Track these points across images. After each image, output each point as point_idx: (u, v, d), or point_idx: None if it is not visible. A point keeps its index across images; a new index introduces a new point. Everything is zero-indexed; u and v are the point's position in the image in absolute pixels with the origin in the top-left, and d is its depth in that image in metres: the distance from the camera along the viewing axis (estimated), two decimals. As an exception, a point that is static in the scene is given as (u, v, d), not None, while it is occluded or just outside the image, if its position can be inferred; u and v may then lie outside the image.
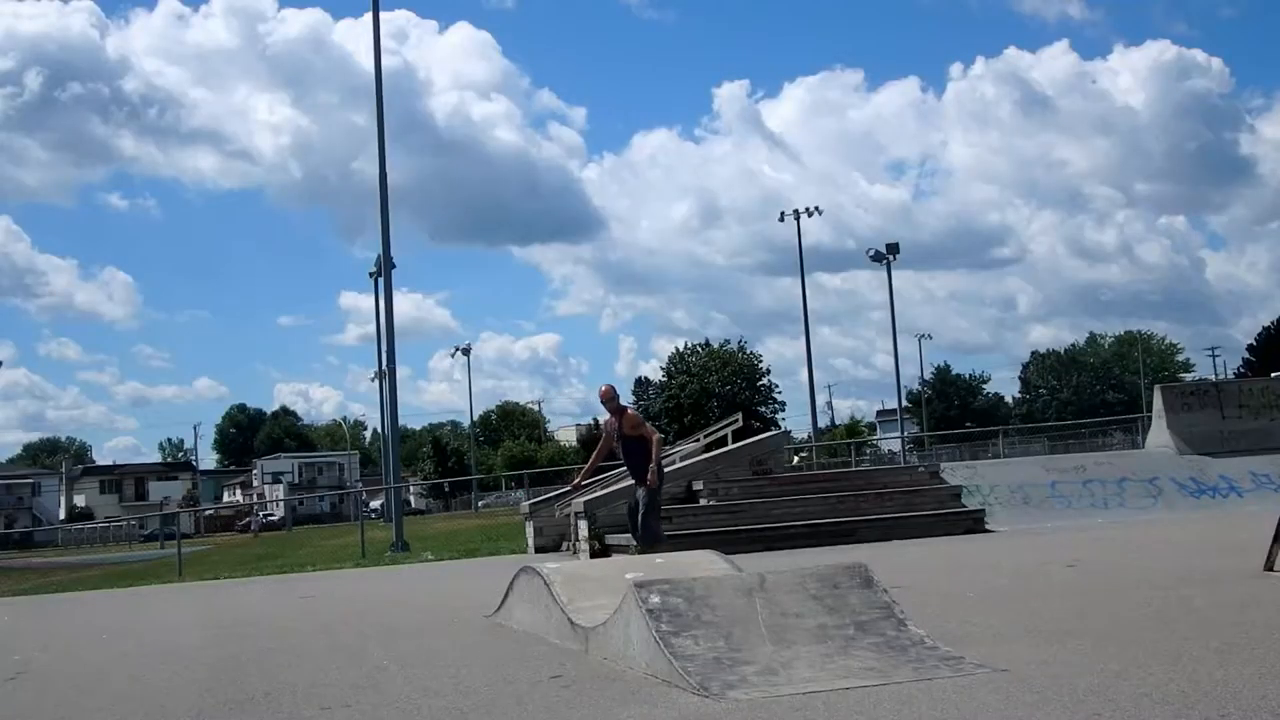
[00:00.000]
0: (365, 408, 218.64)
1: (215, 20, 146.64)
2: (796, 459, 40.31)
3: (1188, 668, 4.84)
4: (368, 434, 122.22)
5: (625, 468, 11.37)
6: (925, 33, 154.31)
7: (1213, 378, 71.16)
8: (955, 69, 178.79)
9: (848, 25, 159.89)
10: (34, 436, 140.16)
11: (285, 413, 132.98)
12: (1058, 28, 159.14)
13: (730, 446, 17.23)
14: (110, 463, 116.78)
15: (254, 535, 57.65)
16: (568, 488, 10.25)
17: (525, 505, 19.22)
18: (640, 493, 10.58)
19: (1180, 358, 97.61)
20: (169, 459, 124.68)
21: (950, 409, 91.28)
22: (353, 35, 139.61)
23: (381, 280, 29.32)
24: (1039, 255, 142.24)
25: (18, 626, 11.57)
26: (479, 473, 74.12)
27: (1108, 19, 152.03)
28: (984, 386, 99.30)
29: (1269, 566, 7.98)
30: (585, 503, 15.42)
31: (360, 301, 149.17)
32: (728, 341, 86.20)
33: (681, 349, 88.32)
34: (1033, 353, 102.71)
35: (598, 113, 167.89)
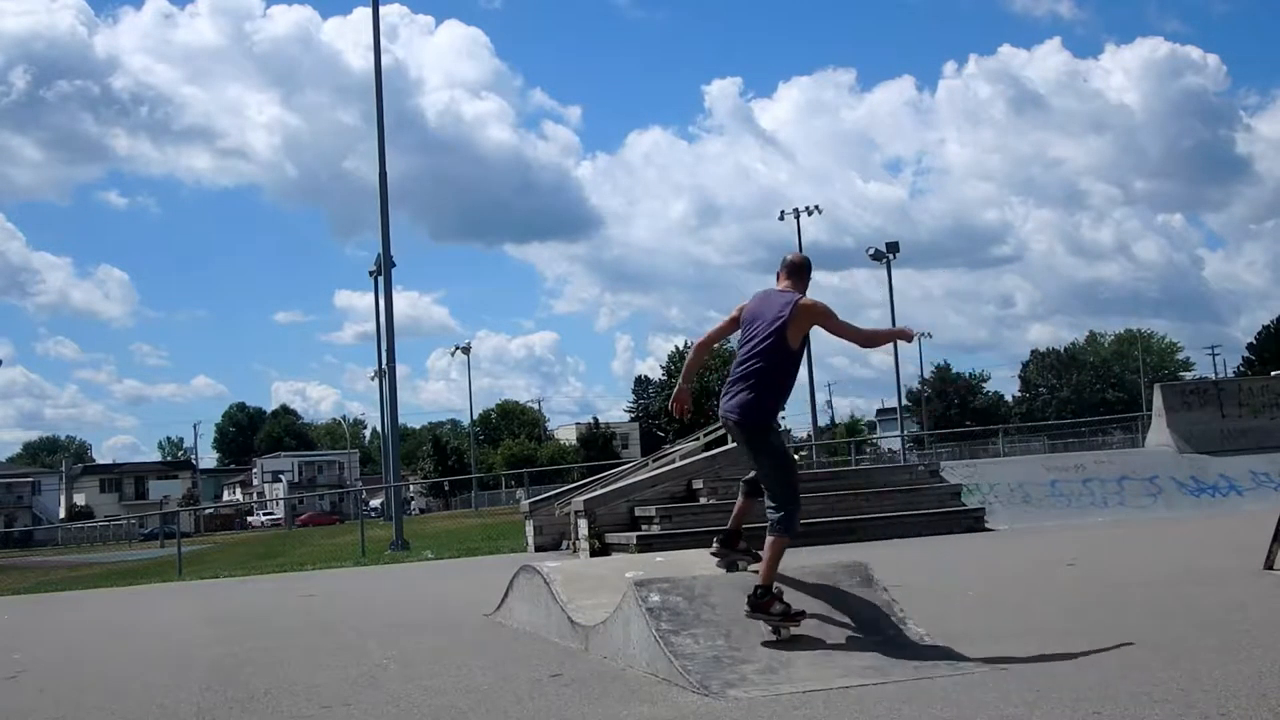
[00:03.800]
0: (363, 406, 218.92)
1: (202, 19, 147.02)
2: (796, 458, 40.32)
3: (1187, 666, 4.84)
4: (367, 433, 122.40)
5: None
6: (918, 32, 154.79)
7: (1212, 376, 71.18)
8: (949, 67, 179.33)
9: (840, 25, 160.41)
10: (33, 435, 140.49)
11: (285, 411, 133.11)
12: (1049, 26, 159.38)
13: (730, 445, 17.21)
14: (110, 461, 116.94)
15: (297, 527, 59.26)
16: None
17: (525, 504, 19.22)
18: None
19: (1180, 356, 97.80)
20: (169, 458, 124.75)
21: (950, 408, 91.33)
22: (342, 33, 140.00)
23: (381, 279, 29.34)
24: (1037, 253, 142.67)
25: (18, 626, 11.56)
26: (479, 472, 74.10)
27: (1099, 17, 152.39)
28: (984, 385, 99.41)
29: (1269, 565, 7.98)
30: (585, 501, 15.42)
31: (356, 300, 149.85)
32: (727, 341, 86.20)
33: (681, 348, 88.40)
34: (1032, 351, 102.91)
35: (591, 112, 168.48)
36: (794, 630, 5.59)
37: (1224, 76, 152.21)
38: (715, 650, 5.23)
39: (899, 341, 6.61)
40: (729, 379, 6.07)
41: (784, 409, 6.30)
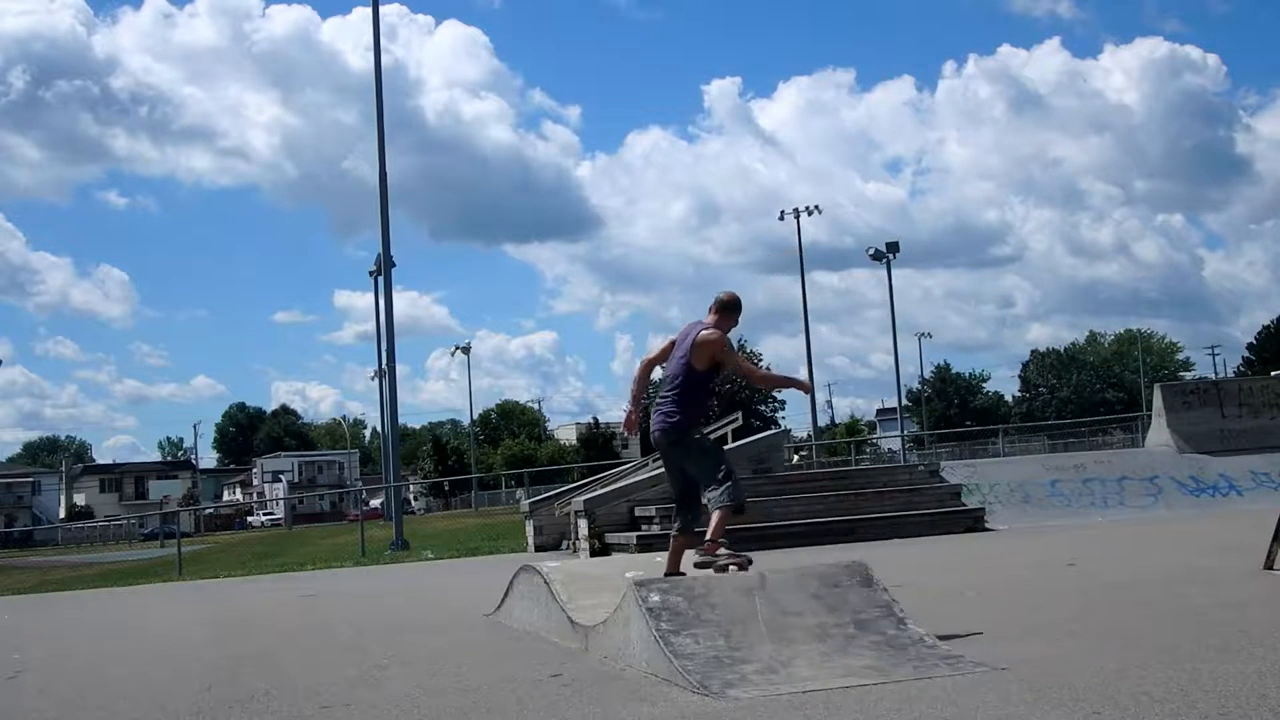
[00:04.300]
0: (363, 406, 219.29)
1: (201, 19, 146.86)
2: (796, 458, 40.30)
3: (1187, 666, 4.84)
4: (367, 432, 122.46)
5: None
6: (917, 32, 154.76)
7: (1212, 376, 71.18)
8: (949, 67, 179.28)
9: (839, 25, 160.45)
10: (33, 435, 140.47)
11: (285, 411, 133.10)
12: (1048, 26, 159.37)
13: (730, 445, 17.23)
14: (110, 461, 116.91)
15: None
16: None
17: (525, 504, 19.22)
18: None
19: (1180, 356, 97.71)
20: (169, 458, 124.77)
21: (950, 408, 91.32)
22: (341, 33, 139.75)
23: (381, 279, 29.34)
24: (1037, 253, 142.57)
25: (18, 625, 11.56)
26: (479, 472, 74.12)
27: (1098, 17, 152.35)
28: (984, 385, 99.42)
29: (1269, 565, 7.98)
30: (585, 501, 15.42)
31: (356, 300, 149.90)
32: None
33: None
34: (1032, 351, 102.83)
35: (591, 112, 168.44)
36: (740, 571, 6.18)
37: (1224, 76, 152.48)
38: (715, 650, 5.23)
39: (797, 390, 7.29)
40: (656, 401, 6.88)
41: (705, 422, 7.05)
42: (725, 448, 17.20)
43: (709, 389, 6.90)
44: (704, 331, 6.74)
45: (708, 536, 6.52)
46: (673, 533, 6.93)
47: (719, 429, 19.81)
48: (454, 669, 6.13)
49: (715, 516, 6.52)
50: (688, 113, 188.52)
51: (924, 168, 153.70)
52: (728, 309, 6.88)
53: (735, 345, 7.48)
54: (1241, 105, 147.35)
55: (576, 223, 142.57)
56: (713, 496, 6.56)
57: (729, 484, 6.58)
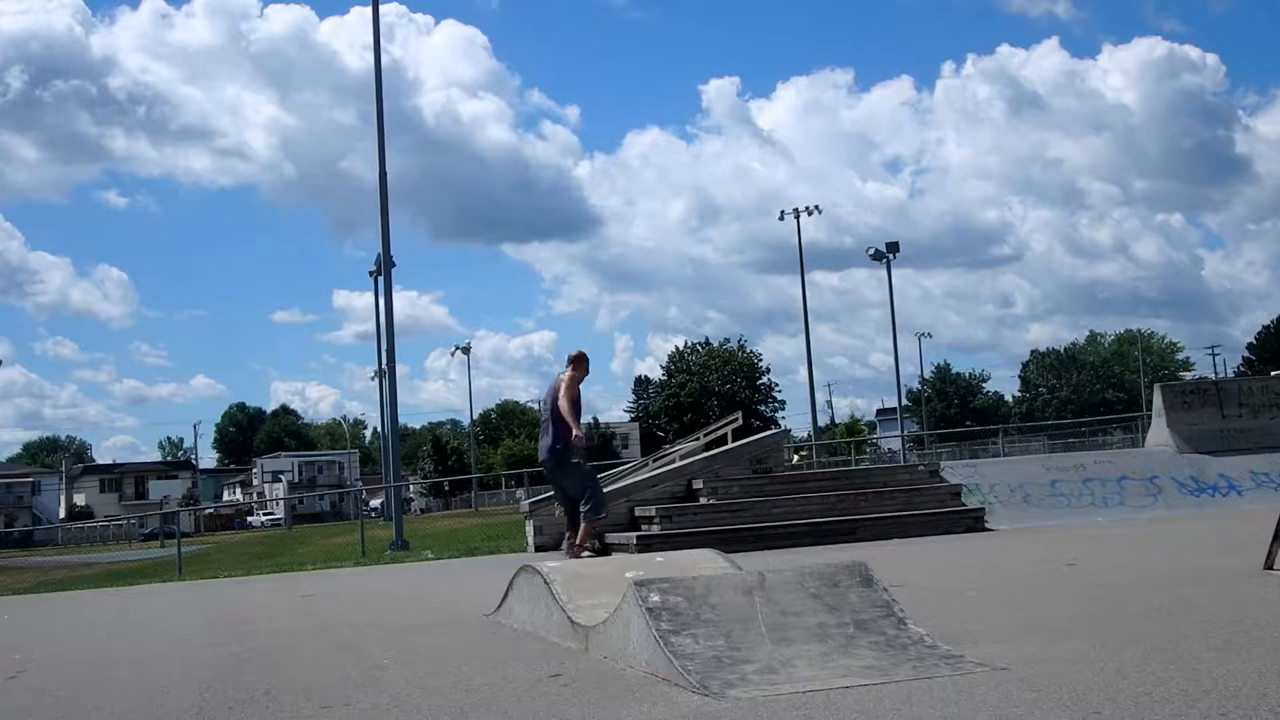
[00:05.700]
0: (363, 406, 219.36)
1: (199, 19, 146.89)
2: (796, 458, 40.37)
3: (1188, 666, 4.83)
4: (368, 433, 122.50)
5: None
6: (916, 32, 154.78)
7: (1212, 376, 71.15)
8: (947, 67, 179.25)
9: (838, 25, 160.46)
10: (32, 435, 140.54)
11: (285, 411, 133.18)
12: (1047, 25, 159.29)
13: (730, 445, 17.23)
14: (110, 461, 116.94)
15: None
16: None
17: (525, 504, 19.21)
18: None
19: (1180, 356, 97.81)
20: (169, 458, 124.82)
21: (950, 408, 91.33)
22: (338, 33, 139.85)
23: (381, 278, 29.33)
24: (1037, 253, 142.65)
25: (18, 625, 11.56)
26: (479, 472, 74.09)
27: (1096, 17, 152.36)
28: (984, 385, 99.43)
29: (1269, 565, 7.98)
30: (585, 501, 15.42)
31: (356, 300, 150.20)
32: (727, 340, 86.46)
33: (681, 348, 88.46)
34: (1032, 351, 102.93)
35: (589, 112, 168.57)
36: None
37: (1222, 76, 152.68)
38: (715, 650, 5.22)
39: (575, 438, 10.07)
40: (540, 434, 10.12)
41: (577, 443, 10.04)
42: (725, 448, 17.25)
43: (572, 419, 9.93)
44: (561, 378, 9.98)
45: (577, 540, 9.87)
46: (566, 539, 10.56)
47: (719, 428, 19.82)
48: (454, 669, 6.13)
49: (583, 526, 9.79)
50: (686, 113, 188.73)
51: (923, 168, 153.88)
52: (574, 361, 10.18)
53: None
54: (1241, 105, 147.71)
55: (575, 223, 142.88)
56: (584, 510, 9.76)
57: (595, 499, 9.97)
